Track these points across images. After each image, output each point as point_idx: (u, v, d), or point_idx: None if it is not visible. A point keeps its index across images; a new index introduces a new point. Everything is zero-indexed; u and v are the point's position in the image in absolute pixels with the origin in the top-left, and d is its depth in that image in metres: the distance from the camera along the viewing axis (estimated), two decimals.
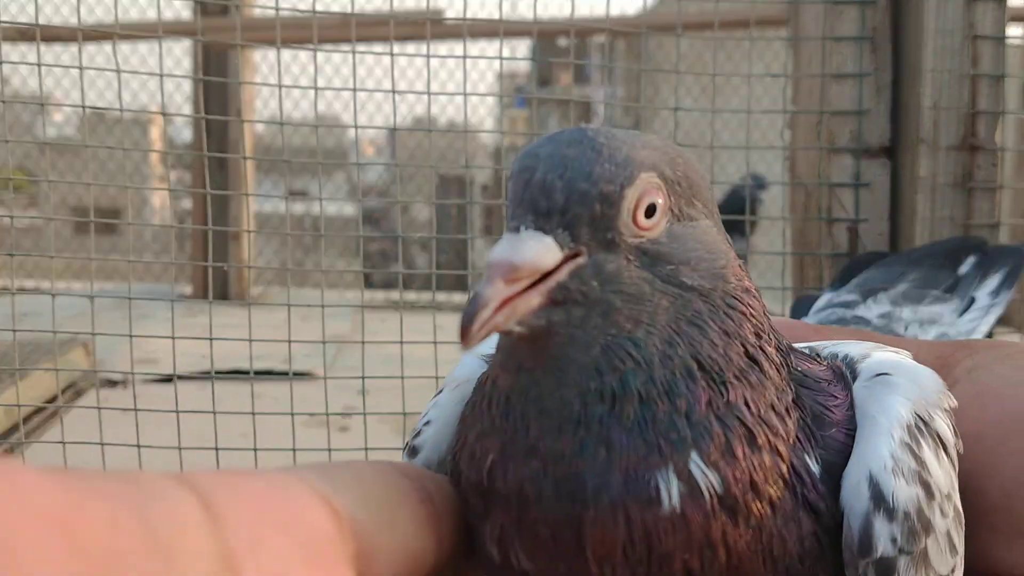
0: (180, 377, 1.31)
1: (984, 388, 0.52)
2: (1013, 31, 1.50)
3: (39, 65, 1.35)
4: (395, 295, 1.88)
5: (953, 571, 0.44)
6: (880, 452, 0.43)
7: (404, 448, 0.51)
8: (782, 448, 0.42)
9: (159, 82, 1.35)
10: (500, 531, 0.43)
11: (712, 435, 0.41)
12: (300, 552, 0.30)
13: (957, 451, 0.46)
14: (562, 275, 0.40)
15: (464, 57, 1.32)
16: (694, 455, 0.41)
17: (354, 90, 1.35)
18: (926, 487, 0.43)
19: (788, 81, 1.40)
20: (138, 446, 1.29)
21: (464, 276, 1.52)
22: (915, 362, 0.48)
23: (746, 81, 1.35)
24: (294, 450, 1.32)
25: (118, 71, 1.32)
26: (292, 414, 1.33)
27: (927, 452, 0.44)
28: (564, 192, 0.41)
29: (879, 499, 0.42)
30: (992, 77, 1.28)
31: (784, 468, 0.42)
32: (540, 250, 0.40)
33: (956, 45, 1.27)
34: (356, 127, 1.50)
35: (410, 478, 0.40)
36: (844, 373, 0.47)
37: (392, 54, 1.34)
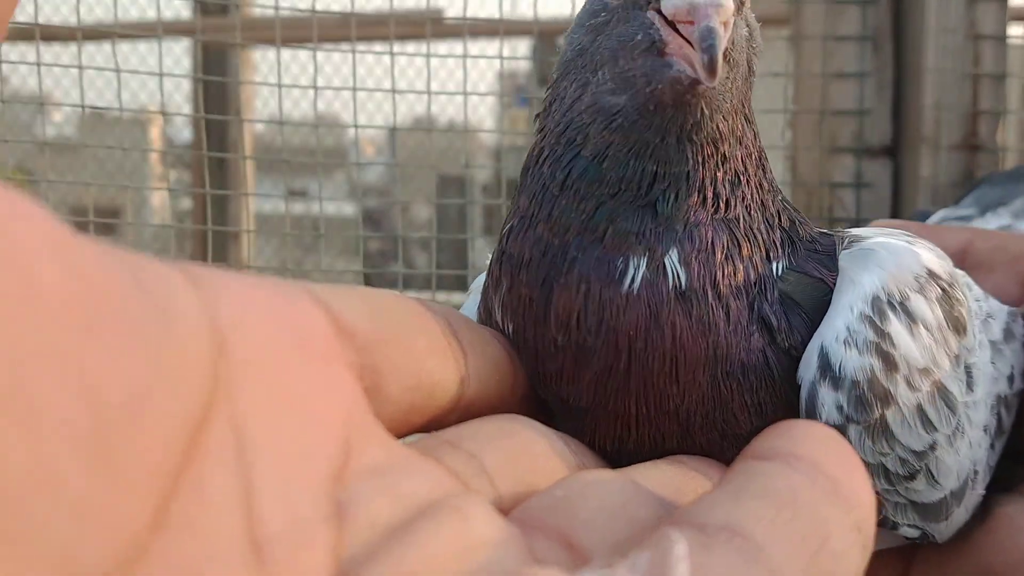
0: None
1: None
2: (1014, 30, 1.50)
3: (38, 64, 1.35)
4: None
5: (933, 448, 0.43)
6: (835, 325, 0.42)
7: None
8: (758, 259, 0.42)
9: (158, 81, 1.35)
10: (504, 294, 0.44)
11: (700, 238, 0.41)
12: (292, 340, 0.28)
13: (963, 333, 0.46)
14: (733, 31, 0.39)
15: (464, 56, 1.32)
16: (673, 252, 0.41)
17: (354, 89, 1.35)
18: (885, 358, 0.42)
19: (789, 80, 1.39)
20: None
21: (464, 276, 1.52)
22: (919, 244, 0.47)
23: None
24: None
25: (117, 70, 1.31)
26: None
27: (895, 326, 0.43)
28: None
29: (826, 368, 0.41)
30: (994, 77, 1.27)
31: (753, 276, 0.42)
32: None
33: (958, 44, 1.26)
34: (356, 127, 1.50)
35: (436, 312, 0.38)
36: (837, 242, 0.46)
37: (392, 53, 1.33)
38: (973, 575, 0.48)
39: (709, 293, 0.40)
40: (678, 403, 0.40)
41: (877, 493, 0.42)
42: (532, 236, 0.42)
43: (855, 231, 0.48)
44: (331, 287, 0.33)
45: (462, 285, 1.77)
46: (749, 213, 0.42)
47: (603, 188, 0.41)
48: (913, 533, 0.45)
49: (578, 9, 0.46)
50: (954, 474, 0.45)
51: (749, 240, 0.42)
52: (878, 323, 0.42)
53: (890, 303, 0.43)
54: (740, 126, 0.43)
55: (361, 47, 1.51)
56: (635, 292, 0.40)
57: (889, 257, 0.44)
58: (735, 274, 0.41)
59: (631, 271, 0.40)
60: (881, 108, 1.30)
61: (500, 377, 0.41)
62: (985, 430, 0.47)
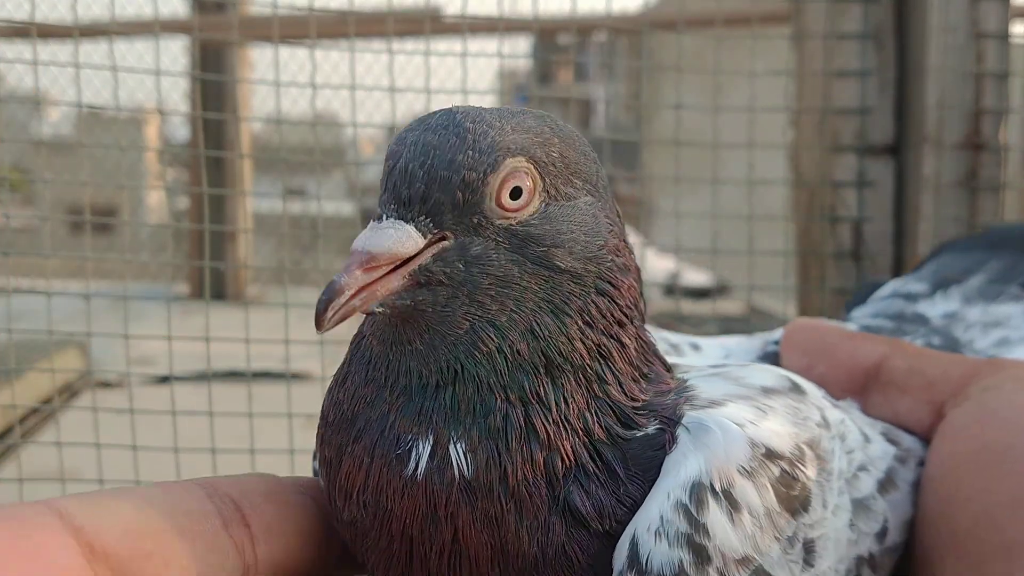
0: (176, 378, 1.30)
1: (989, 411, 0.50)
2: (1017, 29, 1.49)
3: (35, 63, 1.34)
4: None
5: None
6: (650, 512, 0.42)
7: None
8: (567, 447, 0.42)
9: (155, 80, 1.34)
10: (317, 450, 0.46)
11: (492, 426, 0.41)
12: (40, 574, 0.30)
13: (797, 519, 0.44)
14: (425, 258, 0.42)
15: (464, 54, 1.31)
16: (461, 439, 0.41)
17: (352, 88, 1.34)
18: (698, 551, 0.41)
19: (791, 79, 1.39)
20: (134, 447, 1.28)
21: None
22: (769, 417, 0.46)
23: (748, 79, 1.34)
24: (291, 451, 1.30)
25: (114, 69, 1.30)
26: (289, 415, 1.32)
27: (713, 515, 0.42)
28: (424, 181, 0.41)
29: (634, 559, 0.41)
30: (996, 75, 1.27)
31: (562, 465, 0.42)
32: (399, 238, 0.41)
33: (960, 43, 1.25)
34: (354, 125, 1.49)
35: (219, 502, 0.40)
36: (682, 406, 0.46)
37: (391, 51, 1.32)
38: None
39: (495, 487, 0.40)
40: None
41: None
42: (344, 408, 0.44)
43: (706, 393, 0.46)
44: (96, 499, 0.35)
45: None
46: (565, 390, 0.43)
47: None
48: None
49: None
50: None
51: (560, 423, 0.42)
52: (694, 512, 0.42)
53: (712, 489, 0.42)
54: (554, 320, 0.43)
55: (360, 45, 1.50)
56: (418, 479, 0.41)
57: (720, 440, 0.43)
58: (531, 466, 0.41)
59: (415, 454, 0.41)
60: (883, 106, 1.29)
61: (304, 546, 0.44)
62: None
